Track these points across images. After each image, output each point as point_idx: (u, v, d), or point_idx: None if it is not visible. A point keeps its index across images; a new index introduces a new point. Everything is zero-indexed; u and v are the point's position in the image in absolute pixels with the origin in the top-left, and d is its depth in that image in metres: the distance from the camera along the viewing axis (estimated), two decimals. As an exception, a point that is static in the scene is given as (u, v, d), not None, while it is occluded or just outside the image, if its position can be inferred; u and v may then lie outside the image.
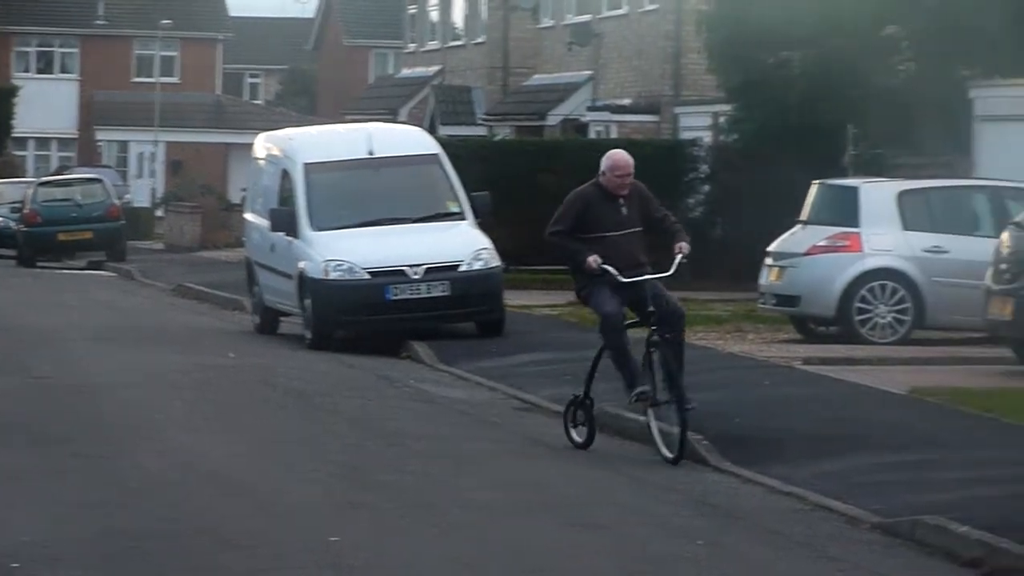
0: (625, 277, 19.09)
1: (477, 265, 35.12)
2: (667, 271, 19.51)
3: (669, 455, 19.93)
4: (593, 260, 18.79)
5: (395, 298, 34.57)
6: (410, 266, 34.66)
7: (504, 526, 18.60)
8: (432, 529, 18.31)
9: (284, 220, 36.08)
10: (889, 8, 44.35)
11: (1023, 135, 39.80)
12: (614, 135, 60.40)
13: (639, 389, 19.99)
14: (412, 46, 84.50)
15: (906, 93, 44.80)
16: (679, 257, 19.19)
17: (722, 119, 51.03)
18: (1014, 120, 40.39)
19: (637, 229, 19.68)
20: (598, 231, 19.05)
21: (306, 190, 35.87)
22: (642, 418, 24.02)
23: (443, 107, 71.46)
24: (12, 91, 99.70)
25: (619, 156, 20.01)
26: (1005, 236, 28.68)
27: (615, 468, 22.42)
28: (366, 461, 22.89)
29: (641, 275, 19.27)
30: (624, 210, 19.54)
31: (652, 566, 16.73)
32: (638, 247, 19.64)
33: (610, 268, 18.92)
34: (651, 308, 19.30)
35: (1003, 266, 27.74)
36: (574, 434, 21.30)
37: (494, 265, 35.51)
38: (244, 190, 50.91)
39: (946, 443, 21.25)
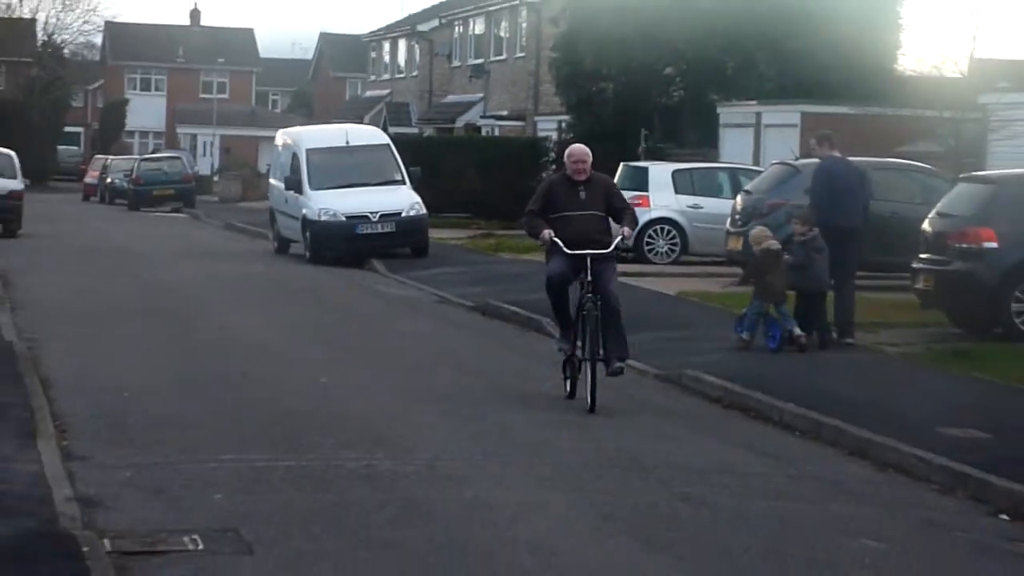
0: (578, 250, 15.48)
1: (412, 212, 35.00)
2: (608, 249, 15.73)
3: (592, 406, 15.25)
4: (546, 233, 15.49)
5: (361, 232, 34.43)
6: (370, 213, 34.56)
7: (423, 371, 18.67)
8: (384, 371, 18.31)
9: (294, 183, 36.00)
10: (667, 55, 44.37)
11: (748, 136, 39.89)
12: (497, 134, 60.64)
13: (559, 344, 16.14)
14: (373, 77, 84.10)
15: (678, 110, 44.86)
16: (618, 239, 15.84)
17: (563, 124, 50.89)
18: (743, 127, 40.48)
19: (596, 212, 15.71)
20: (560, 211, 15.68)
21: (307, 165, 35.77)
22: (518, 310, 24.13)
23: (391, 115, 71.15)
24: (124, 102, 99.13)
25: (573, 147, 16.30)
26: (738, 198, 28.80)
27: (500, 340, 22.46)
28: (343, 332, 22.83)
29: (593, 250, 15.59)
30: (582, 194, 15.67)
31: (517, 394, 16.72)
32: (595, 227, 15.66)
33: (558, 240, 15.43)
34: (588, 278, 15.55)
35: (736, 217, 27.78)
36: (567, 385, 16.09)
37: (422, 212, 35.35)
38: (268, 165, 50.63)
39: (700, 326, 21.24)
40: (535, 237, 15.88)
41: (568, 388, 15.89)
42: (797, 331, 19.05)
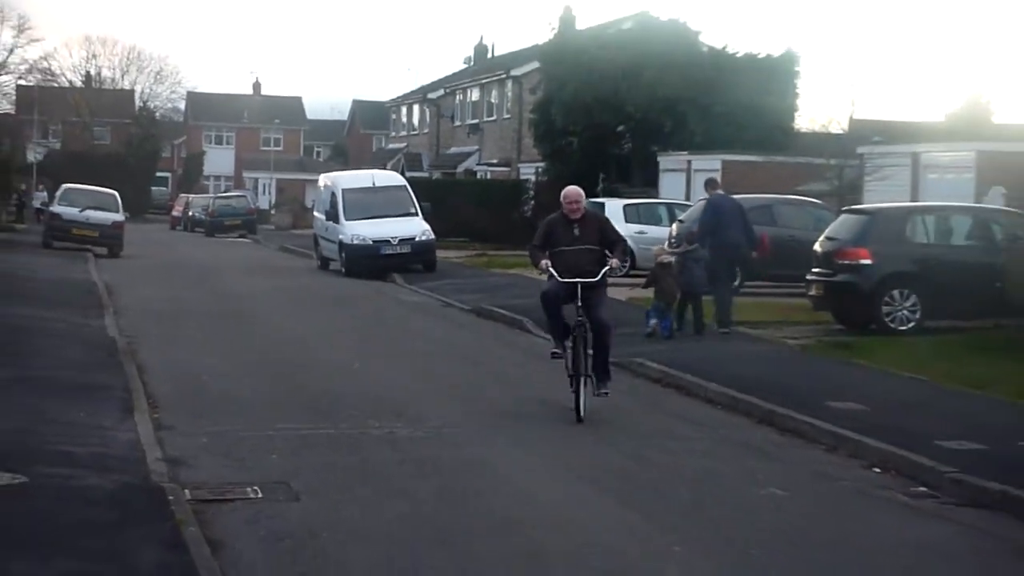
0: (569, 278, 13.62)
1: (423, 237, 34.93)
2: (596, 278, 13.75)
3: (579, 416, 13.46)
4: (544, 263, 13.77)
5: (384, 253, 34.34)
6: (391, 238, 34.50)
7: (431, 359, 18.59)
8: (402, 360, 18.27)
9: (332, 215, 36.02)
10: (619, 117, 44.45)
11: (681, 179, 39.96)
12: (489, 177, 60.63)
13: (554, 350, 14.15)
14: (393, 134, 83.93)
15: (628, 158, 44.91)
16: (606, 268, 13.71)
17: (539, 170, 50.93)
18: (677, 171, 40.55)
19: (590, 247, 13.79)
20: (558, 245, 13.81)
21: (343, 201, 35.71)
22: (506, 312, 24.05)
23: (408, 163, 70.96)
24: (202, 154, 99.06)
25: (568, 189, 14.19)
26: (673, 226, 28.76)
27: (490, 335, 22.40)
28: (370, 330, 22.77)
29: (583, 279, 13.69)
30: (577, 231, 13.79)
31: (504, 377, 16.70)
32: (588, 259, 13.74)
33: (552, 270, 13.67)
34: (579, 304, 13.62)
35: (672, 240, 27.55)
36: (575, 399, 13.71)
37: (431, 237, 35.26)
38: (313, 201, 50.62)
39: (640, 324, 21.15)
40: (536, 266, 14.22)
41: (575, 402, 13.62)
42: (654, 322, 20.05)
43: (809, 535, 9.56)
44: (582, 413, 13.45)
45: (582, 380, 13.55)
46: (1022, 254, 18.84)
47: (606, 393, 13.80)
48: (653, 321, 19.97)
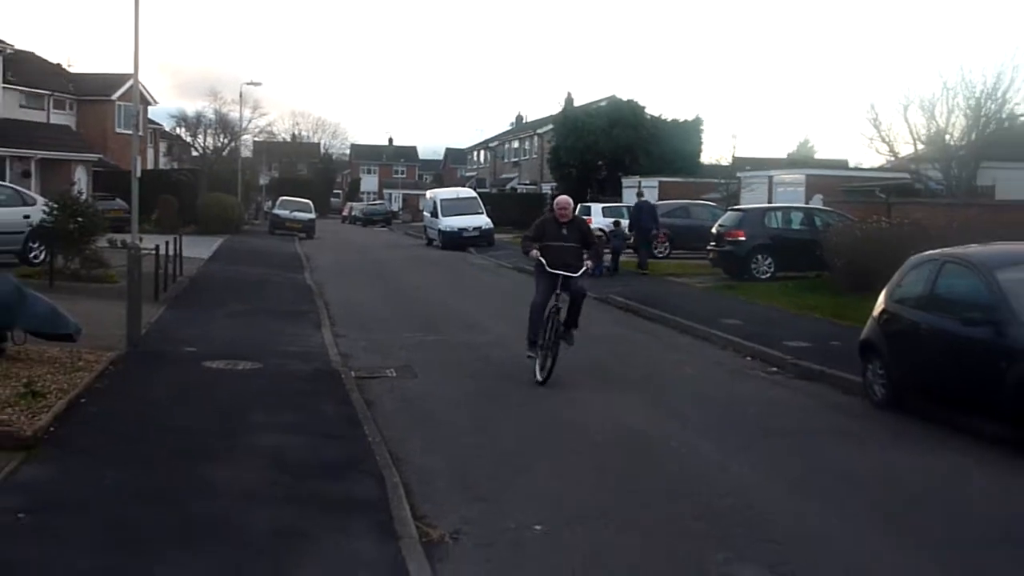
0: (553, 269, 9.96)
1: (486, 227, 34.54)
2: (576, 274, 10.06)
3: (540, 378, 9.86)
4: (534, 253, 10.10)
5: (465, 236, 33.96)
6: (468, 227, 34.20)
7: (491, 297, 18.38)
8: (474, 296, 18.13)
9: (434, 213, 35.79)
10: (598, 157, 44.07)
11: (633, 193, 39.33)
12: (525, 191, 60.14)
13: (529, 353, 10.15)
14: (469, 167, 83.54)
15: (604, 180, 44.48)
16: (583, 269, 10.10)
17: (553, 187, 50.42)
18: (632, 188, 39.70)
19: (573, 244, 10.14)
20: (547, 240, 10.10)
21: (440, 206, 35.51)
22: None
23: (478, 184, 70.40)
24: (359, 180, 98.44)
25: (559, 198, 10.60)
26: (623, 221, 28.31)
27: (527, 284, 22.30)
28: (455, 279, 22.56)
29: (563, 271, 9.96)
30: (564, 231, 10.17)
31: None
32: (570, 255, 10.08)
33: (542, 259, 10.01)
34: (559, 292, 9.99)
35: (610, 226, 27.38)
36: (536, 370, 10.06)
37: (491, 226, 34.85)
38: (423, 206, 50.40)
39: (618, 276, 20.95)
40: (526, 254, 10.36)
41: (536, 371, 10.08)
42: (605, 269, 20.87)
43: (709, 395, 9.53)
44: (539, 377, 9.93)
45: (551, 353, 10.02)
46: (831, 234, 18.57)
47: (572, 339, 10.32)
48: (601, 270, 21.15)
